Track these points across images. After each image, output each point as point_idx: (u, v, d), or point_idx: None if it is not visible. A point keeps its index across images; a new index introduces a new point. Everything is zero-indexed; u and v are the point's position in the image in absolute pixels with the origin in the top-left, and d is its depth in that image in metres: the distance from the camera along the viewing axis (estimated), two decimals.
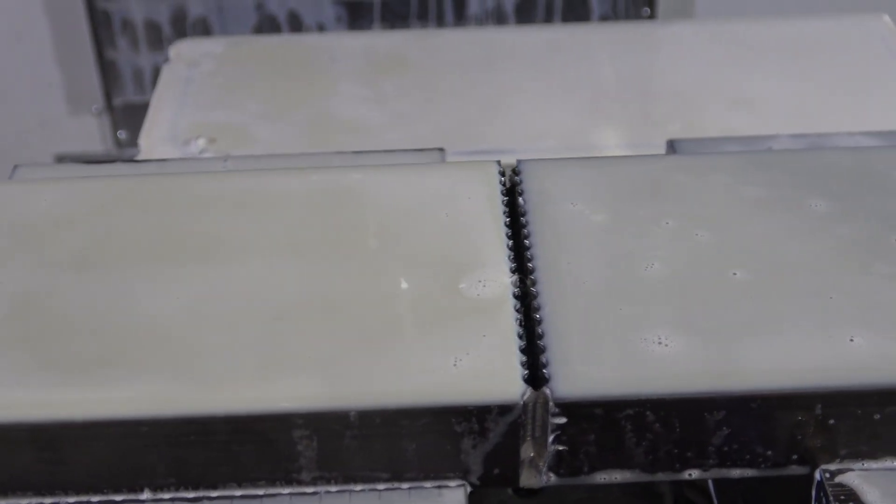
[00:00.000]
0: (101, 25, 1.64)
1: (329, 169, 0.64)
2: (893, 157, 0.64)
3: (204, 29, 1.62)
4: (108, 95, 1.70)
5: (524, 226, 0.58)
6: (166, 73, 1.05)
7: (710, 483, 0.65)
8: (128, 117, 1.71)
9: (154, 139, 0.96)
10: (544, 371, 0.51)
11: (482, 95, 0.98)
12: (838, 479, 0.52)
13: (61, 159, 1.74)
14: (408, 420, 0.50)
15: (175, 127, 0.98)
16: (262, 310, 0.54)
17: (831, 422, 0.51)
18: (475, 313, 0.54)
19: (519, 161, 0.62)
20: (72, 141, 1.74)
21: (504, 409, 0.50)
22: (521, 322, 0.53)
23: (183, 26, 1.62)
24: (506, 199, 0.60)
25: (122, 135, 1.72)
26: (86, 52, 1.66)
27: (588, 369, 0.51)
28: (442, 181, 0.62)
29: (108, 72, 1.68)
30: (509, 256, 0.57)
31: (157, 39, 1.64)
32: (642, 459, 0.52)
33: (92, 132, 1.74)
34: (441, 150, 0.73)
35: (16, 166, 0.73)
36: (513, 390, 0.50)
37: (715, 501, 0.59)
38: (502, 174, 0.62)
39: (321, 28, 1.56)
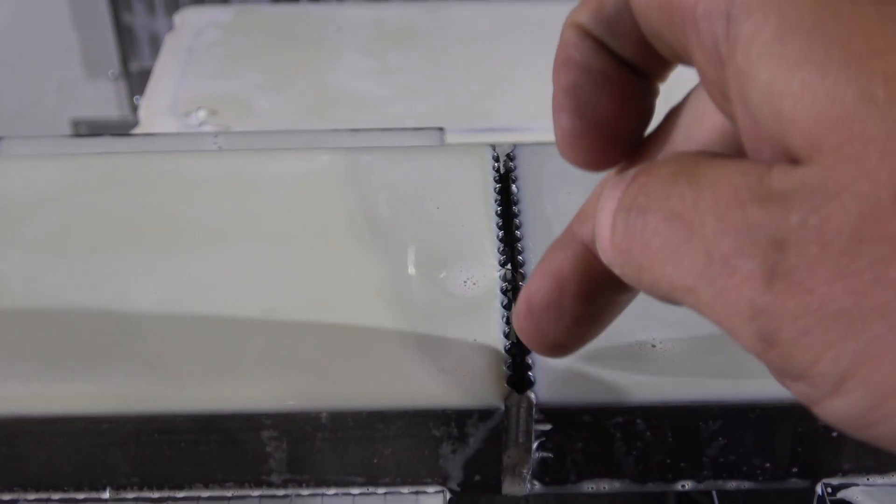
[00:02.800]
0: None
1: (318, 151, 0.61)
2: None
3: None
4: (125, 60, 1.68)
5: (516, 215, 0.55)
6: (169, 42, 1.03)
7: None
8: (144, 82, 1.68)
9: (154, 110, 0.93)
10: (529, 373, 0.48)
11: (490, 70, 0.95)
12: (841, 494, 0.49)
13: (77, 124, 1.73)
14: (382, 423, 0.47)
15: (176, 98, 0.95)
16: (237, 304, 0.51)
17: (834, 434, 0.48)
18: (458, 310, 0.51)
19: (514, 145, 0.59)
20: (89, 105, 1.73)
21: (485, 413, 0.47)
22: (507, 320, 0.50)
23: None
24: (498, 185, 0.57)
25: (139, 100, 1.70)
26: (102, 16, 1.64)
27: (575, 373, 0.48)
28: (432, 166, 0.58)
29: (124, 36, 1.66)
30: (499, 248, 0.53)
31: (174, 4, 1.61)
32: (633, 469, 0.49)
33: (108, 97, 1.72)
34: (440, 129, 0.70)
35: (1, 138, 0.71)
36: (495, 394, 0.47)
37: (716, 502, 0.56)
38: (496, 160, 0.59)
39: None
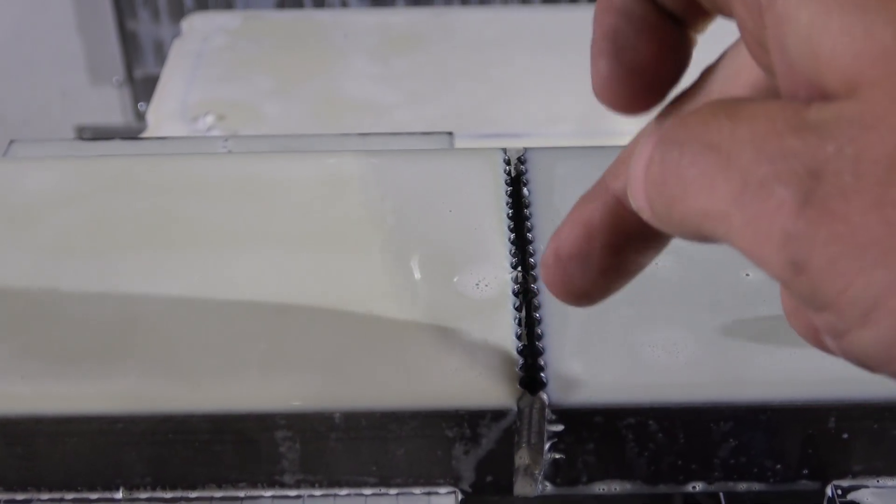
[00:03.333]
0: None
1: (328, 154, 0.61)
2: None
3: (227, 2, 1.59)
4: (129, 67, 1.68)
5: (528, 218, 0.56)
6: (177, 48, 1.03)
7: None
8: (148, 89, 1.69)
9: (161, 115, 0.94)
10: (542, 374, 0.48)
11: (498, 76, 0.96)
12: (851, 496, 0.49)
13: (82, 130, 1.73)
14: (395, 424, 0.48)
15: (184, 103, 0.95)
16: (250, 305, 0.52)
17: (845, 436, 0.48)
18: (471, 312, 0.51)
19: (525, 149, 0.59)
20: (93, 112, 1.73)
21: (497, 414, 0.47)
22: (520, 322, 0.50)
23: None
24: (510, 189, 0.57)
25: (143, 107, 1.70)
26: (107, 23, 1.64)
27: (588, 374, 0.48)
28: (444, 170, 0.59)
29: (128, 43, 1.67)
30: (510, 251, 0.54)
31: (179, 11, 1.62)
32: (644, 470, 0.49)
33: (113, 103, 1.73)
34: (449, 133, 0.70)
35: (11, 142, 0.71)
36: (507, 395, 0.47)
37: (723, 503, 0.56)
38: (507, 163, 0.59)
39: (345, 5, 1.53)
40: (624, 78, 0.34)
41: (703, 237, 0.28)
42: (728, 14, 0.31)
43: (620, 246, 0.35)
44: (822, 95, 0.26)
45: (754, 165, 0.26)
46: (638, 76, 0.34)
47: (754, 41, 0.29)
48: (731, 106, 0.27)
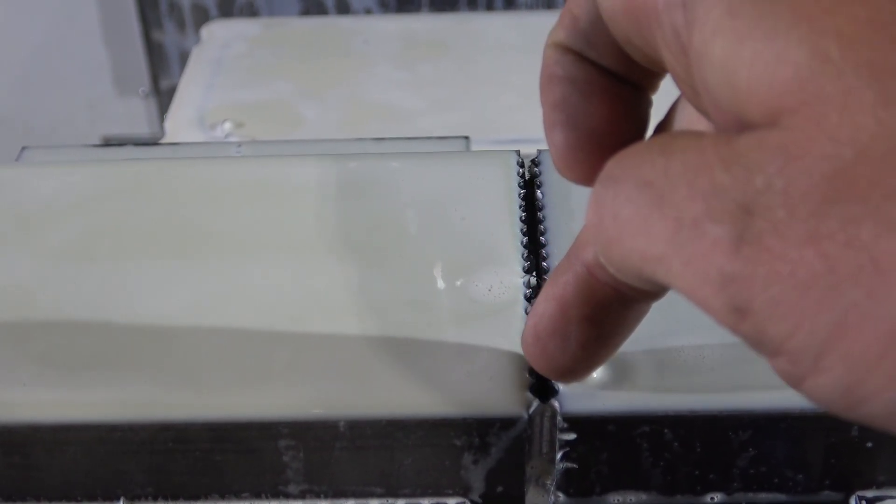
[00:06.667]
0: (148, 7, 1.62)
1: (343, 158, 0.59)
2: None
3: (251, 13, 1.59)
4: (155, 78, 1.68)
5: (541, 221, 0.54)
6: (196, 55, 1.02)
7: None
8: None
9: (179, 123, 0.93)
10: (553, 382, 0.46)
11: (520, 82, 0.94)
12: None
13: (108, 141, 1.73)
14: (402, 432, 0.46)
15: (202, 110, 0.94)
16: (253, 312, 0.50)
17: (869, 445, 0.46)
18: (482, 317, 0.49)
19: (539, 151, 0.58)
20: (119, 122, 1.73)
21: (507, 422, 0.46)
22: None
23: (230, 9, 1.59)
24: (523, 191, 0.56)
25: None
26: (133, 33, 1.64)
27: (600, 381, 0.46)
28: (456, 172, 0.57)
29: (154, 54, 1.66)
30: (523, 255, 0.52)
31: (204, 21, 1.61)
32: (660, 480, 0.48)
33: (139, 114, 1.73)
34: (466, 137, 0.69)
35: (23, 148, 0.70)
36: (517, 402, 0.46)
37: None
38: (521, 165, 0.57)
39: (369, 13, 1.52)
40: (583, 146, 0.33)
41: (646, 280, 0.27)
42: (662, 67, 0.30)
43: (598, 318, 0.34)
44: (749, 128, 0.25)
45: (687, 203, 0.25)
46: (596, 143, 0.33)
47: (688, 88, 0.28)
48: (664, 140, 0.26)
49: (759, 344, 0.24)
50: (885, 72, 0.23)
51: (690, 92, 0.28)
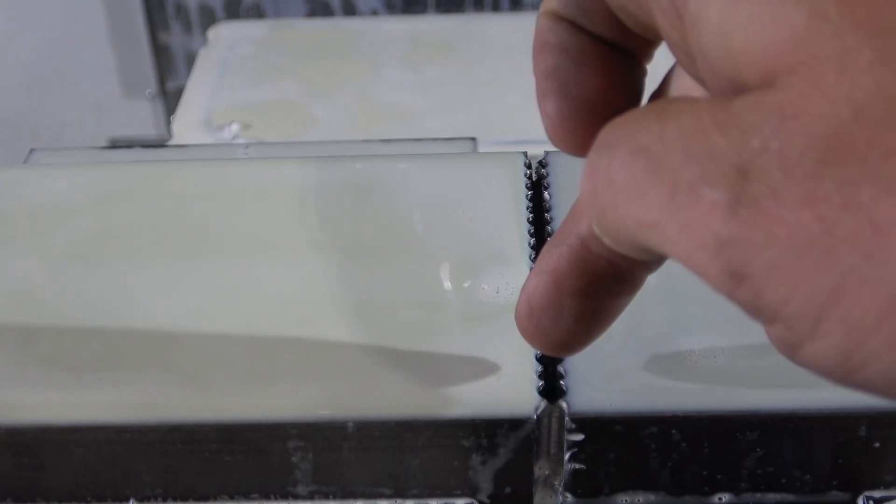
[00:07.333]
0: (154, 9, 1.62)
1: (351, 160, 0.59)
2: None
3: (258, 14, 1.59)
4: (162, 79, 1.68)
5: (548, 222, 0.54)
6: (203, 57, 1.02)
7: None
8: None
9: (186, 125, 0.93)
10: (562, 382, 0.47)
11: (527, 82, 0.94)
12: None
13: (115, 143, 1.74)
14: (410, 433, 0.46)
15: (209, 112, 0.94)
16: (263, 313, 0.50)
17: (876, 445, 0.46)
18: (489, 318, 0.49)
19: (546, 153, 0.58)
20: (126, 124, 1.74)
21: (516, 423, 0.46)
22: None
23: (236, 11, 1.60)
24: (530, 193, 0.56)
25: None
26: (139, 35, 1.64)
27: (608, 382, 0.47)
28: (464, 174, 0.57)
29: (161, 55, 1.67)
30: (531, 256, 0.52)
31: (211, 24, 1.61)
32: (668, 481, 0.48)
33: (145, 116, 1.73)
34: (473, 139, 0.69)
35: (32, 150, 0.71)
36: (526, 403, 0.46)
37: None
38: (528, 166, 0.58)
39: (375, 14, 1.52)
40: (575, 116, 0.32)
41: (641, 249, 0.27)
42: (656, 34, 0.30)
43: (592, 291, 0.34)
44: (745, 91, 0.24)
45: (683, 167, 0.24)
46: (589, 112, 0.32)
47: (683, 54, 0.28)
48: (660, 106, 0.26)
49: (756, 310, 0.24)
50: (883, 31, 0.22)
51: (686, 59, 0.28)
